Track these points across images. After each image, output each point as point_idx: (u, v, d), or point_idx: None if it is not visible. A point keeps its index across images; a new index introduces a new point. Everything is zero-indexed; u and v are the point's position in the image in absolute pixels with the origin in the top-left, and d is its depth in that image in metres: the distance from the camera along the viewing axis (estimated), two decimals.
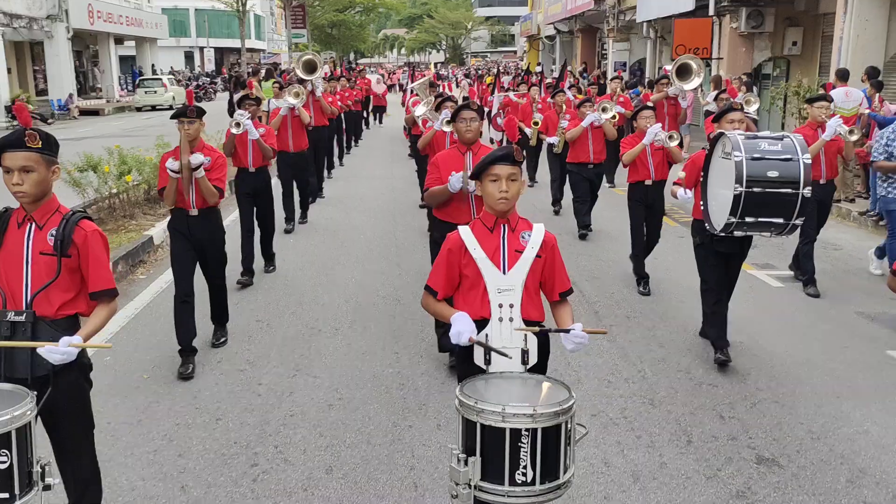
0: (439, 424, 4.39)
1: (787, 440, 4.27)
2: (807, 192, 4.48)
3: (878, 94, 10.47)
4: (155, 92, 33.51)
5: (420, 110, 8.97)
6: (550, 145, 10.40)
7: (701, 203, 5.12)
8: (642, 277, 7.07)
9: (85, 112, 31.16)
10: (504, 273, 2.96)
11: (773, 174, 4.49)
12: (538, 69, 32.20)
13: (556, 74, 24.15)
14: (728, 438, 4.29)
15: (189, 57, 56.21)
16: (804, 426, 4.44)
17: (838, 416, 4.58)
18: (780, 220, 4.60)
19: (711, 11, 18.46)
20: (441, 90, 12.31)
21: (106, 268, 3.02)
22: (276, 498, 3.66)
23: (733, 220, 4.58)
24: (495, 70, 30.83)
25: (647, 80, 21.38)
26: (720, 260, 5.34)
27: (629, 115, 11.06)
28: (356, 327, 6.04)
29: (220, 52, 59.32)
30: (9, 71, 28.54)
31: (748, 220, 4.59)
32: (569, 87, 15.03)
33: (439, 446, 4.12)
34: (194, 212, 5.23)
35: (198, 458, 4.02)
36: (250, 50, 50.40)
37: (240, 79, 18.69)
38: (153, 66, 41.99)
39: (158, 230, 8.57)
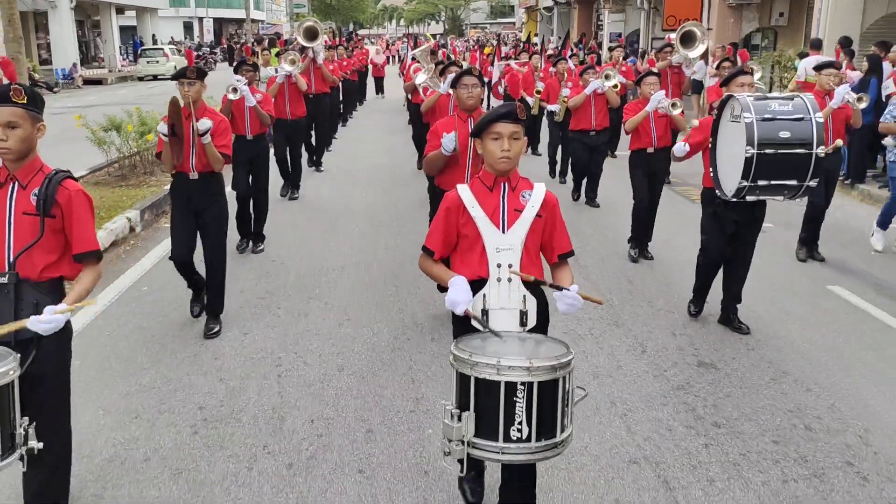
0: (433, 338, 5.17)
1: (726, 350, 5.07)
2: (820, 151, 4.39)
3: (846, 62, 11.13)
4: (157, 62, 33.99)
5: (421, 78, 8.98)
6: (551, 113, 10.52)
7: (710, 170, 5.03)
8: (636, 238, 7.14)
9: (89, 81, 31.68)
10: (503, 232, 2.90)
11: (784, 135, 4.39)
12: (536, 40, 32.68)
13: (554, 45, 24.61)
14: (676, 349, 5.09)
15: (188, 27, 56.41)
16: (742, 341, 5.23)
17: (773, 334, 5.36)
18: (794, 182, 4.52)
19: None
20: (442, 59, 12.14)
21: (90, 229, 2.93)
22: (298, 387, 4.46)
23: (745, 183, 4.49)
24: (495, 40, 31.28)
25: (640, 50, 21.98)
26: (728, 230, 5.23)
27: (630, 85, 11.15)
28: (360, 266, 6.81)
29: (219, 23, 59.56)
30: None
31: (761, 183, 4.49)
32: (569, 57, 15.32)
33: (433, 353, 4.91)
34: (194, 175, 5.08)
35: (231, 360, 4.82)
36: (251, 20, 50.79)
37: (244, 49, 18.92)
38: (153, 36, 42.43)
39: None
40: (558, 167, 11.09)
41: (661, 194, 7.30)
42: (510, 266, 2.88)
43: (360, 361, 4.83)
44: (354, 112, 19.20)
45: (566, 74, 10.36)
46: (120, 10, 39.91)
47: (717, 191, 4.88)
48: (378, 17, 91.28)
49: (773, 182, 4.50)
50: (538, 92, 11.11)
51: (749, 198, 4.66)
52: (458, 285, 2.84)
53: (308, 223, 8.41)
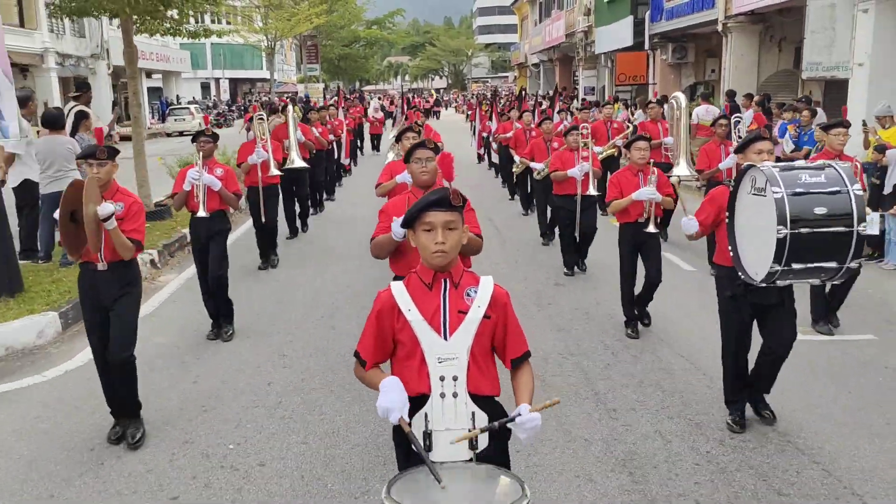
0: None
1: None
2: (862, 228, 3.90)
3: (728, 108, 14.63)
4: (184, 119, 38.11)
5: (390, 156, 8.70)
6: (535, 171, 10.43)
7: (729, 248, 4.41)
8: (631, 319, 6.65)
9: (124, 138, 35.42)
10: (445, 339, 2.57)
11: (820, 211, 3.89)
12: (524, 94, 36.60)
13: (544, 102, 27.39)
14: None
15: (205, 87, 60.90)
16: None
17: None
18: (833, 264, 3.99)
19: (646, 46, 22.82)
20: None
21: None
22: (333, 272, 8.53)
23: (778, 267, 3.96)
24: (490, 94, 34.27)
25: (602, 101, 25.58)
26: (751, 318, 4.70)
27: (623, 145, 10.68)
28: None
29: (234, 83, 64.26)
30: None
31: (795, 266, 3.97)
32: (558, 112, 15.74)
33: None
34: (102, 266, 4.55)
35: (288, 267, 8.45)
36: (263, 80, 55.35)
37: (273, 107, 21.28)
38: (178, 96, 46.90)
39: None
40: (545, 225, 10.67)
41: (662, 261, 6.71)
42: (457, 394, 2.57)
43: (368, 279, 8.27)
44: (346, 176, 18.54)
45: (552, 137, 10.37)
46: (149, 73, 44.40)
47: (740, 273, 4.35)
48: (384, 73, 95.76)
49: (809, 265, 3.99)
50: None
51: (780, 283, 4.15)
52: (389, 388, 2.53)
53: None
